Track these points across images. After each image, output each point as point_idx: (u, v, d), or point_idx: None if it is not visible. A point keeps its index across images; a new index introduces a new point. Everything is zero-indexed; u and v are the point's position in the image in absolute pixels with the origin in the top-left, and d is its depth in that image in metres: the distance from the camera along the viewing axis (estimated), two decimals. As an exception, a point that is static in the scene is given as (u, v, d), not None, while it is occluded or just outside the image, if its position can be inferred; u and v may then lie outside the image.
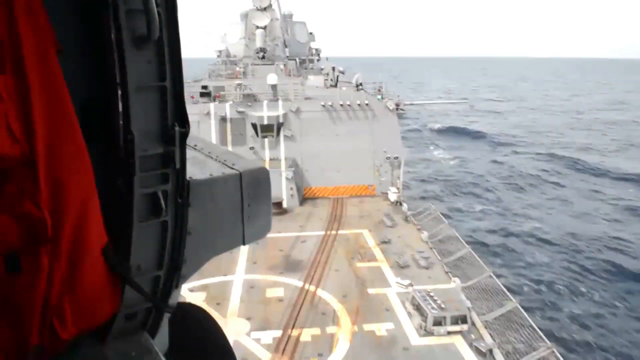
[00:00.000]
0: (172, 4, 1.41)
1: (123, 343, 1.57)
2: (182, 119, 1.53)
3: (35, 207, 1.18)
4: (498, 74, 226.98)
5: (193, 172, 1.75)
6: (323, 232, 19.49)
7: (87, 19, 1.35)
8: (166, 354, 1.79)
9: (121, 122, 1.38)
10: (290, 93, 24.96)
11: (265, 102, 24.20)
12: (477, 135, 64.41)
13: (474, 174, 44.24)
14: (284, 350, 11.62)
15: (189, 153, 1.81)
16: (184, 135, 1.52)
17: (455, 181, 41.71)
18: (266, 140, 23.89)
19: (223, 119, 23.63)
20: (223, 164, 1.96)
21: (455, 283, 14.29)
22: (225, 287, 15.03)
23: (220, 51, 55.47)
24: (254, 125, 23.70)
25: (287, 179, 22.81)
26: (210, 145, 2.18)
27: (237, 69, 40.02)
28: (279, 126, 23.92)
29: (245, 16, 51.19)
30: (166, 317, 1.72)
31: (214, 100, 24.28)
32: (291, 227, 20.11)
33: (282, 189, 22.75)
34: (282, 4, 50.77)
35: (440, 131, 67.77)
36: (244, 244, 1.99)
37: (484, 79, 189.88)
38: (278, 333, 12.32)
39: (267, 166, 21.74)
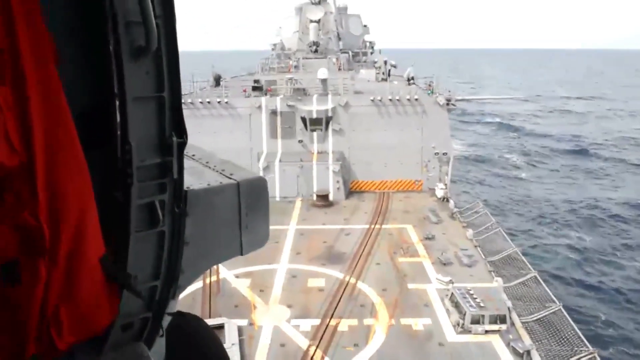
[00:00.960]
0: (171, 15, 1.42)
1: (119, 354, 1.57)
2: (180, 129, 1.54)
3: (33, 217, 1.18)
4: (563, 67, 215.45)
5: (191, 182, 1.77)
6: (367, 226, 19.69)
7: (86, 30, 1.36)
8: None
9: (119, 133, 1.39)
10: (340, 87, 25.22)
11: (315, 96, 24.58)
12: (563, 144, 54.04)
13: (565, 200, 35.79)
14: (321, 338, 12.02)
15: (187, 163, 1.85)
16: (182, 145, 1.54)
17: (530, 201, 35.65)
18: (315, 133, 24.30)
19: (273, 113, 24.25)
20: (221, 173, 1.98)
21: (497, 282, 14.14)
22: (269, 275, 15.62)
23: (275, 44, 56.47)
24: (303, 119, 24.16)
25: (333, 172, 23.14)
26: (209, 155, 2.21)
27: (290, 62, 40.74)
28: (328, 120, 24.25)
29: (300, 10, 51.75)
30: (163, 327, 1.71)
31: (266, 94, 24.96)
32: (336, 220, 20.47)
33: (329, 182, 23.13)
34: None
35: (512, 131, 62.32)
36: (241, 254, 2.00)
37: (550, 72, 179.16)
38: (317, 322, 12.74)
39: (314, 159, 22.20)
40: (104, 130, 1.41)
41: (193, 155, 2.20)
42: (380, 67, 38.49)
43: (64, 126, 1.20)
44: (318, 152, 24.14)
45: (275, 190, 23.13)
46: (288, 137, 24.33)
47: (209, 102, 24.09)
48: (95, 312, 1.37)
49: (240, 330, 12.33)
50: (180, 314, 1.90)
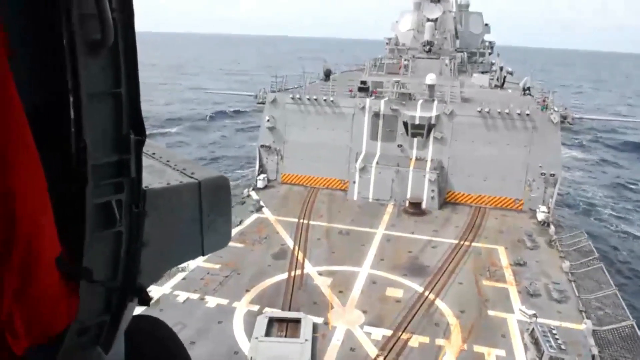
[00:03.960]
0: (128, 9, 1.38)
1: (74, 359, 1.53)
2: (139, 127, 1.50)
3: None
4: None
5: (150, 180, 1.74)
6: (456, 241, 19.41)
7: (39, 22, 1.31)
8: None
9: (73, 130, 1.35)
10: (447, 95, 24.75)
11: (419, 102, 24.43)
12: None
13: None
14: (390, 350, 12.34)
15: (147, 161, 1.80)
16: (140, 143, 1.50)
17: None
18: (415, 139, 24.21)
19: (376, 115, 24.55)
20: (182, 172, 1.93)
21: (586, 325, 13.32)
22: (350, 277, 16.17)
23: (389, 39, 56.20)
24: (405, 124, 24.16)
25: (429, 180, 22.95)
26: (169, 154, 2.13)
27: (402, 61, 40.41)
28: (430, 127, 24.00)
29: (419, 5, 50.83)
30: (121, 331, 1.67)
31: (371, 95, 25.29)
32: (425, 230, 20.40)
33: (423, 190, 23.01)
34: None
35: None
36: (203, 254, 1.95)
37: None
38: (388, 332, 13.06)
39: (412, 165, 22.20)
40: (58, 129, 1.37)
41: (153, 153, 2.13)
42: (495, 71, 36.93)
43: (16, 123, 1.13)
44: (416, 159, 24.06)
45: (369, 192, 23.58)
46: (388, 141, 24.52)
47: (315, 99, 25.03)
48: (52, 313, 1.33)
49: (315, 327, 13.05)
50: (139, 316, 1.85)
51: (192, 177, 1.88)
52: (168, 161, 2.03)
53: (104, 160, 1.43)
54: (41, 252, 1.24)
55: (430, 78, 24.89)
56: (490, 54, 57.39)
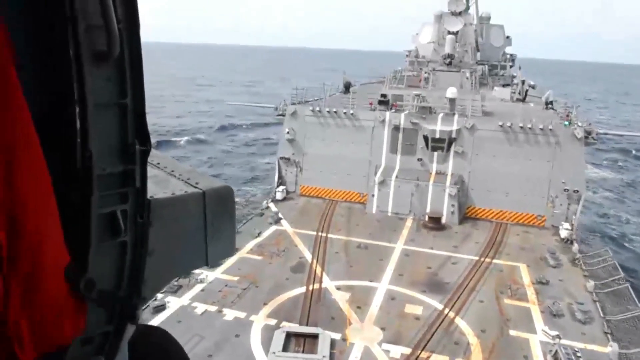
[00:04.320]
0: (134, 20, 1.39)
1: None
2: (144, 137, 1.51)
3: None
4: None
5: (155, 191, 1.75)
6: (476, 258, 19.11)
7: (46, 33, 1.32)
8: None
9: (79, 140, 1.35)
10: (468, 109, 24.55)
11: (440, 116, 24.27)
12: None
13: None
14: (409, 369, 12.15)
15: (151, 171, 1.81)
16: (145, 153, 1.51)
17: None
18: (435, 153, 24.02)
19: (396, 128, 24.45)
20: (186, 182, 1.93)
21: (612, 348, 12.92)
22: (369, 293, 16.01)
23: (409, 51, 56.15)
24: (426, 138, 24.01)
25: (450, 195, 22.71)
26: (174, 164, 2.15)
27: (422, 73, 40.27)
28: (451, 141, 23.81)
29: (439, 18, 50.69)
30: (125, 341, 1.66)
31: (391, 108, 25.24)
32: (445, 246, 20.14)
33: (443, 205, 22.77)
34: (480, 6, 48.93)
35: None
36: (207, 264, 1.95)
37: None
38: (407, 350, 12.87)
39: (432, 179, 22.00)
40: (65, 139, 1.38)
41: (157, 163, 2.13)
42: (517, 85, 36.54)
43: (25, 132, 1.15)
44: (436, 173, 23.84)
45: (388, 205, 23.42)
46: (408, 154, 24.38)
47: (335, 112, 25.07)
48: (58, 324, 1.32)
49: (332, 343, 12.93)
50: (144, 327, 1.85)
51: (196, 187, 1.89)
52: (172, 171, 2.04)
53: (109, 170, 1.44)
54: (47, 260, 1.23)
55: (451, 92, 24.77)
56: (511, 66, 56.90)
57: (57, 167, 1.30)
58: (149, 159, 1.57)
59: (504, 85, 47.15)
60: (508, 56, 56.78)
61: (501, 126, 23.15)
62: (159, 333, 2.05)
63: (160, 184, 1.88)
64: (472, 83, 39.48)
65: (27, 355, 1.23)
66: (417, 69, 50.20)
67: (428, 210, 22.78)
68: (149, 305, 14.40)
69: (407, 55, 56.27)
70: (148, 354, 1.91)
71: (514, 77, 56.62)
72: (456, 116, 24.21)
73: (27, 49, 1.30)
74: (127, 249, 1.55)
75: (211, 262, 1.94)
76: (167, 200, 1.75)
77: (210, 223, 1.88)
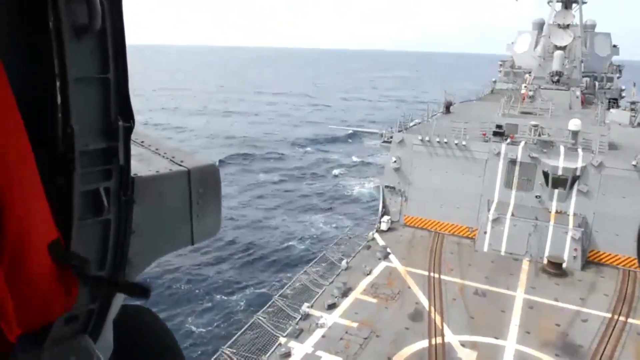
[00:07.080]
0: None
1: (62, 348, 1.52)
2: (127, 113, 1.47)
3: None
4: None
5: (139, 168, 1.71)
6: (609, 315, 17.54)
7: (24, 8, 1.28)
8: (110, 358, 1.76)
9: (60, 115, 1.32)
10: (594, 144, 22.57)
11: (562, 149, 22.58)
12: None
13: None
14: None
15: (136, 149, 1.76)
16: (128, 130, 1.47)
17: None
18: (556, 191, 22.38)
19: (512, 162, 23.07)
20: (171, 160, 1.89)
21: None
22: (496, 352, 15.15)
23: (503, 61, 53.44)
24: (546, 174, 22.45)
25: (573, 238, 21.07)
26: (158, 142, 2.10)
27: (525, 90, 38.00)
28: (575, 179, 22.07)
29: (539, 27, 47.66)
30: (109, 319, 1.65)
31: (506, 139, 23.87)
32: (570, 297, 18.69)
33: (564, 248, 21.19)
34: (584, 14, 45.46)
35: None
36: (192, 243, 1.92)
37: None
38: None
39: (552, 219, 20.48)
40: (47, 115, 1.34)
41: (142, 141, 2.09)
42: (636, 107, 33.46)
43: (7, 110, 1.12)
44: (556, 212, 22.23)
45: (502, 245, 22.20)
46: (524, 190, 22.95)
47: (446, 142, 24.09)
48: (45, 300, 1.30)
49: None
50: (129, 306, 1.84)
51: (181, 165, 1.85)
52: (157, 149, 2.01)
53: (92, 146, 1.41)
54: (33, 236, 1.20)
55: (574, 124, 22.97)
56: (618, 77, 52.55)
57: (39, 147, 1.25)
58: (134, 137, 1.56)
59: (610, 100, 43.58)
60: (614, 67, 52.53)
61: (635, 166, 21.10)
62: (144, 312, 2.04)
63: (145, 161, 1.84)
64: (582, 102, 36.84)
65: (13, 332, 1.20)
66: (512, 80, 47.70)
67: (547, 253, 21.29)
68: (275, 352, 14.52)
69: (500, 65, 53.73)
70: (134, 333, 1.91)
71: (622, 90, 52.29)
72: (580, 151, 22.42)
73: (6, 28, 1.26)
74: (110, 228, 1.53)
75: (196, 242, 1.92)
76: (151, 178, 1.72)
77: (196, 202, 1.86)
